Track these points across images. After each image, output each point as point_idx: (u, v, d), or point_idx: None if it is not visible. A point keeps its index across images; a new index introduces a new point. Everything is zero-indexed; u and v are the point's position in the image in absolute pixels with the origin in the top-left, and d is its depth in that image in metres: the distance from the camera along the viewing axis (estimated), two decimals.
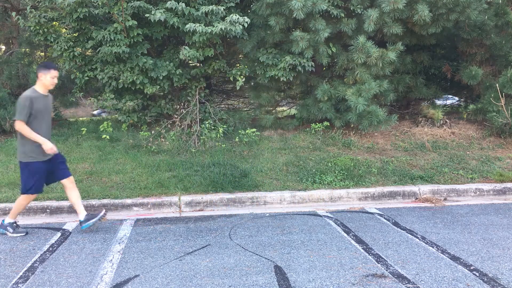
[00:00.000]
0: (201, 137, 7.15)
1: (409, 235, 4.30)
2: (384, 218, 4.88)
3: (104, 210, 4.55)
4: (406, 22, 7.27)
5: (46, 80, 4.29)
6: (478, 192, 5.88)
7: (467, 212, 5.10)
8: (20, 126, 4.18)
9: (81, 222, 4.44)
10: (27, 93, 4.26)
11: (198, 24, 6.76)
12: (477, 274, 3.37)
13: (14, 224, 4.46)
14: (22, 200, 4.41)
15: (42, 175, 4.35)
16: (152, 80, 7.60)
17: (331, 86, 7.54)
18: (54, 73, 4.30)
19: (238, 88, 7.72)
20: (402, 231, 4.42)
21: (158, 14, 6.75)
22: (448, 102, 10.74)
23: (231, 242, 4.13)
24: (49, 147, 4.24)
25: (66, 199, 5.25)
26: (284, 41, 7.51)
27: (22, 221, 4.93)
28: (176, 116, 7.73)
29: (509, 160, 6.87)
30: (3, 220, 4.46)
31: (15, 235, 4.37)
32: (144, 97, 7.89)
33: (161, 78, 7.50)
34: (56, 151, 4.33)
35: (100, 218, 4.46)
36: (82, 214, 4.45)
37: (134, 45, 7.38)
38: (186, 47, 7.09)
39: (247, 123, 8.11)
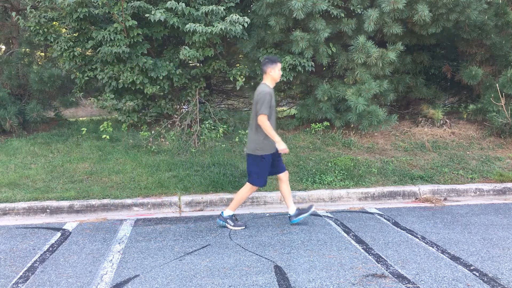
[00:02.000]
0: (201, 137, 7.15)
1: (409, 235, 4.30)
2: (384, 218, 4.88)
3: (313, 205, 4.66)
4: (406, 22, 7.28)
5: (275, 74, 4.44)
6: (478, 192, 5.88)
7: (467, 212, 5.10)
8: (264, 120, 4.27)
9: (290, 217, 4.59)
10: (264, 88, 4.36)
11: (198, 24, 6.77)
12: (477, 274, 3.36)
13: (233, 217, 4.59)
14: (247, 191, 4.50)
15: (268, 168, 4.47)
16: (152, 80, 7.60)
17: (331, 86, 7.54)
18: (280, 66, 4.48)
19: (238, 88, 7.72)
20: (402, 231, 4.42)
21: (158, 14, 6.75)
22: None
23: (231, 242, 4.13)
24: (283, 147, 4.34)
25: (66, 199, 5.26)
26: (284, 41, 7.51)
27: (22, 221, 4.94)
28: (176, 116, 7.73)
29: (509, 160, 6.87)
30: (222, 212, 4.56)
31: (236, 228, 4.48)
32: (144, 97, 7.89)
33: (161, 78, 7.50)
34: (287, 151, 4.41)
35: (310, 213, 4.59)
36: (292, 208, 4.58)
37: (134, 45, 7.39)
38: (186, 47, 7.09)
39: (247, 123, 8.11)
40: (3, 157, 6.70)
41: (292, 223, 4.60)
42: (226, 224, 4.52)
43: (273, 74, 4.43)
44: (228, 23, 6.71)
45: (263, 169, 4.43)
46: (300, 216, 4.58)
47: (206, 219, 4.89)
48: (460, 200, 5.70)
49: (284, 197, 4.64)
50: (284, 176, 4.59)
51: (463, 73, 7.85)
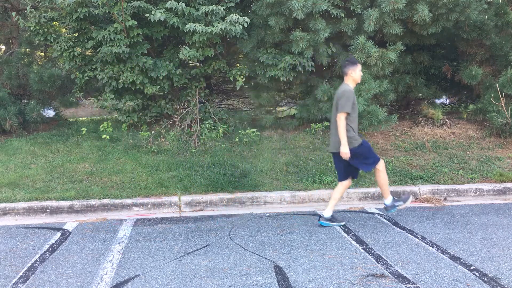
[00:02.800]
0: (201, 137, 7.15)
1: (409, 235, 4.30)
2: (384, 218, 4.88)
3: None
4: (406, 22, 7.27)
5: (356, 75, 4.50)
6: (478, 192, 5.88)
7: (467, 212, 5.10)
8: (342, 118, 4.33)
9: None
10: (348, 87, 4.43)
11: (198, 24, 6.76)
12: (477, 274, 3.36)
13: (394, 198, 4.66)
14: (380, 173, 4.51)
15: (370, 147, 4.55)
16: (152, 80, 7.60)
17: (331, 86, 7.54)
18: (360, 67, 4.54)
19: (238, 88, 7.72)
20: (402, 231, 4.42)
21: (158, 14, 6.75)
22: (438, 101, 10.68)
23: (231, 242, 4.13)
24: (346, 151, 4.35)
25: (66, 199, 5.26)
26: (284, 41, 7.51)
27: (22, 221, 4.94)
28: (176, 116, 7.73)
29: (509, 160, 6.87)
30: (385, 203, 4.62)
31: (401, 204, 4.58)
32: (144, 97, 7.89)
33: (161, 78, 7.50)
34: (348, 156, 4.39)
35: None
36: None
37: (134, 45, 7.38)
38: (186, 47, 7.09)
39: (247, 123, 8.10)
40: (3, 157, 6.70)
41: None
42: (397, 207, 4.60)
43: (354, 76, 4.50)
44: (228, 23, 6.71)
45: (368, 151, 4.50)
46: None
47: (206, 219, 4.89)
48: (460, 200, 5.70)
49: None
50: (347, 183, 4.67)
51: (463, 73, 7.84)
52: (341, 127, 4.34)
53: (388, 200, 4.61)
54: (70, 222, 4.81)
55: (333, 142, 4.53)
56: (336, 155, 4.52)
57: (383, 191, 4.60)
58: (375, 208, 5.31)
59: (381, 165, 4.52)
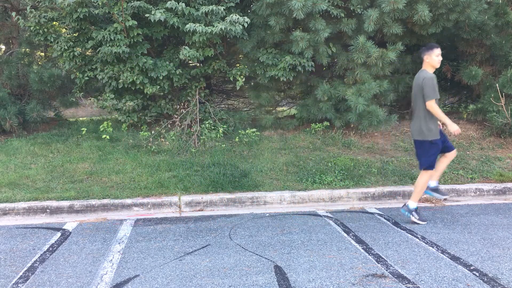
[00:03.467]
0: (201, 137, 7.15)
1: (409, 235, 4.30)
2: (384, 218, 4.88)
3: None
4: (406, 22, 7.27)
5: (433, 60, 4.54)
6: (478, 192, 5.88)
7: (467, 212, 5.10)
8: (433, 104, 4.43)
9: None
10: (427, 74, 4.50)
11: (198, 24, 6.76)
12: (477, 274, 3.37)
13: (417, 210, 4.70)
14: (425, 177, 4.62)
15: (438, 152, 4.62)
16: (152, 80, 7.60)
17: (331, 86, 7.54)
18: (437, 51, 4.52)
19: (238, 88, 7.72)
20: (402, 231, 4.42)
21: (158, 14, 6.75)
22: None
23: (231, 242, 4.13)
24: (455, 129, 4.48)
25: (66, 199, 5.26)
26: (284, 41, 7.51)
27: (22, 221, 4.94)
28: (176, 116, 7.73)
29: (509, 160, 6.87)
30: (407, 204, 4.69)
31: (419, 222, 4.63)
32: (144, 97, 7.89)
33: (161, 78, 7.50)
34: (459, 132, 4.54)
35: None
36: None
37: (134, 45, 7.38)
38: (186, 47, 7.09)
39: (247, 123, 8.10)
40: (3, 157, 6.70)
41: (441, 198, 4.90)
42: (411, 216, 4.64)
43: (430, 61, 4.55)
44: (228, 23, 6.71)
45: (434, 153, 4.58)
46: (432, 193, 4.84)
47: (206, 219, 4.89)
48: (460, 200, 5.70)
49: (437, 169, 4.76)
50: (451, 154, 4.77)
51: (463, 73, 7.84)
52: (437, 111, 4.45)
53: (412, 204, 4.68)
54: (70, 222, 4.81)
55: (414, 130, 4.65)
56: (416, 142, 4.64)
57: (416, 193, 4.68)
58: (375, 208, 5.31)
59: (431, 173, 4.64)
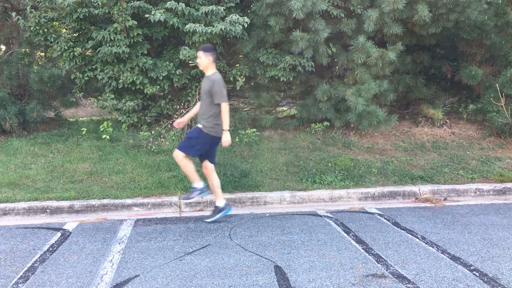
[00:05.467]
0: None
1: (409, 235, 4.30)
2: (384, 218, 4.88)
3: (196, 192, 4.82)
4: (406, 22, 7.28)
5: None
6: (478, 192, 5.88)
7: (467, 212, 5.10)
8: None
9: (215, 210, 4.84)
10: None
11: (198, 24, 6.77)
12: (477, 274, 3.37)
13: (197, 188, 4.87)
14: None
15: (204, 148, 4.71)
16: (152, 80, 7.60)
17: (331, 86, 7.55)
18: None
19: (238, 88, 7.72)
20: (402, 231, 4.42)
21: (158, 15, 6.75)
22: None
23: (231, 242, 4.13)
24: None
25: (66, 199, 5.26)
26: (284, 41, 7.51)
27: (22, 221, 4.94)
28: (176, 116, 7.73)
29: (509, 160, 6.88)
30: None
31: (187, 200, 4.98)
32: (144, 97, 7.89)
33: (161, 78, 7.50)
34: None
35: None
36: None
37: (134, 45, 7.38)
38: (186, 47, 7.10)
39: (247, 123, 8.10)
40: (3, 157, 6.70)
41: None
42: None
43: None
44: (228, 23, 6.71)
45: (204, 145, 4.72)
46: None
47: (206, 219, 4.89)
48: (460, 200, 5.70)
49: (212, 187, 4.86)
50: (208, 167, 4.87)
51: (463, 73, 7.85)
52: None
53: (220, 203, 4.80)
54: (70, 222, 4.81)
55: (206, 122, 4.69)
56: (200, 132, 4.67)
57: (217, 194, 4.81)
58: (375, 208, 5.31)
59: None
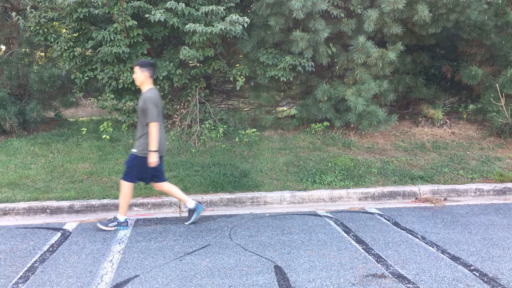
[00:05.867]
0: (201, 137, 7.15)
1: (409, 235, 4.30)
2: (384, 218, 4.88)
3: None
4: (406, 22, 7.28)
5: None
6: (478, 192, 5.88)
7: (467, 212, 5.10)
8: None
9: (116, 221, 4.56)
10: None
11: (198, 24, 6.76)
12: (477, 274, 3.37)
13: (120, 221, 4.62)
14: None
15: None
16: (152, 80, 7.58)
17: (331, 86, 7.55)
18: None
19: (238, 88, 7.72)
20: (402, 231, 4.42)
21: (158, 15, 6.75)
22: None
23: (231, 242, 4.13)
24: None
25: (66, 199, 5.26)
26: (284, 41, 7.51)
27: (22, 221, 4.94)
28: (176, 116, 7.73)
29: (509, 160, 6.87)
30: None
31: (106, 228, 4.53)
32: None
33: (161, 78, 7.50)
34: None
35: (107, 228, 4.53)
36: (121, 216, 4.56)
37: (134, 45, 7.39)
38: (186, 47, 7.10)
39: (247, 123, 8.11)
40: (3, 157, 6.70)
41: None
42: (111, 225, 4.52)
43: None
44: (228, 23, 6.71)
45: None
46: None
47: (206, 219, 4.89)
48: (460, 200, 5.70)
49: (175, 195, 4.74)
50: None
51: (463, 73, 7.85)
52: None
53: (121, 217, 4.55)
54: (70, 222, 4.81)
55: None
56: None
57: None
58: (375, 208, 5.31)
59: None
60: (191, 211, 4.71)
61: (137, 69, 4.50)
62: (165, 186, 4.67)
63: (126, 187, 4.46)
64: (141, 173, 4.49)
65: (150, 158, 4.35)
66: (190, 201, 4.73)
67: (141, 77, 4.50)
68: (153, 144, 4.34)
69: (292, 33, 7.11)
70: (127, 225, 4.58)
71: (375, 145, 7.37)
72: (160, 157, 4.53)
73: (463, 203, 5.55)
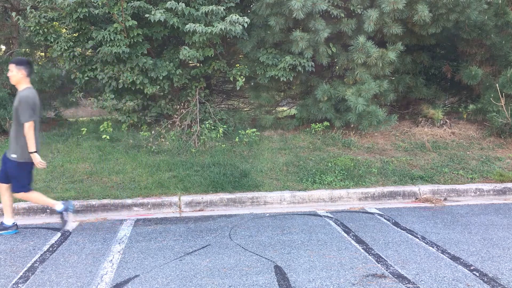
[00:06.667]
0: (201, 137, 7.15)
1: (409, 235, 4.30)
2: (384, 218, 4.88)
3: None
4: (406, 22, 7.28)
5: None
6: (478, 192, 5.88)
7: (467, 212, 5.10)
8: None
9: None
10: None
11: (198, 24, 6.76)
12: (477, 274, 3.37)
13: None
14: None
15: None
16: (152, 80, 7.60)
17: (331, 86, 7.55)
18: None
19: (238, 88, 7.72)
20: (402, 231, 4.42)
21: (158, 15, 6.75)
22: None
23: (231, 242, 4.13)
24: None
25: (66, 199, 5.25)
26: (284, 41, 7.51)
27: (23, 221, 4.94)
28: (176, 116, 7.73)
29: (509, 160, 6.87)
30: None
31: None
32: (144, 97, 7.89)
33: (161, 78, 7.50)
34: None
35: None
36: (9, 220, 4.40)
37: (134, 45, 7.38)
38: (186, 47, 7.10)
39: (247, 123, 8.11)
40: None
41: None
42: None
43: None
44: (228, 23, 6.71)
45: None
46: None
47: (206, 219, 4.89)
48: (460, 200, 5.70)
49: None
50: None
51: (463, 73, 7.85)
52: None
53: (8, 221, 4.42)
54: (70, 222, 4.80)
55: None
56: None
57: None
58: (375, 208, 5.31)
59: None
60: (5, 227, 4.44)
61: (12, 67, 4.28)
62: (7, 190, 4.43)
63: (31, 196, 4.35)
64: (27, 176, 4.34)
65: (34, 159, 4.21)
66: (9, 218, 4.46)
67: (17, 76, 4.29)
68: (31, 145, 4.16)
69: (292, 33, 7.11)
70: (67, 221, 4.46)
71: (375, 145, 7.37)
72: (30, 164, 4.32)
73: (463, 203, 5.55)
